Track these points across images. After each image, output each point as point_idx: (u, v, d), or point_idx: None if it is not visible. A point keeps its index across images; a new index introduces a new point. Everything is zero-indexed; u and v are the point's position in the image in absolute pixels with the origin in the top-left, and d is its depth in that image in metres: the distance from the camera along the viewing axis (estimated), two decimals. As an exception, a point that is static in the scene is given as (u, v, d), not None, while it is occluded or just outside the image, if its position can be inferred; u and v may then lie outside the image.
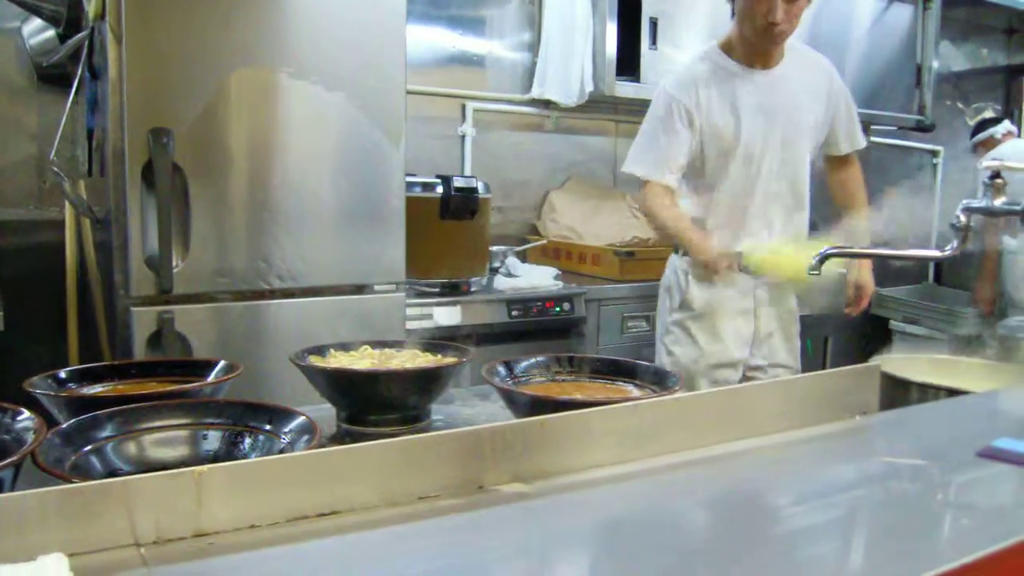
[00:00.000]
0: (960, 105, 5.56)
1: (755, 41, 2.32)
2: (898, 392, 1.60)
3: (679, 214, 2.41)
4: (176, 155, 2.23)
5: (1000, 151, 4.32)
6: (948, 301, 4.47)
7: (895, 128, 4.73)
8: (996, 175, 1.46)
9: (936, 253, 1.65)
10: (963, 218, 1.50)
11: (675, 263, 2.53)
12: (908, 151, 5.26)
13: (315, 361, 1.47)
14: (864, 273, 2.48)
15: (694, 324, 2.46)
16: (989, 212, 1.49)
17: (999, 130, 4.55)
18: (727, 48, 2.39)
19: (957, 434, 1.32)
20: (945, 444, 1.26)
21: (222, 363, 1.44)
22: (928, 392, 1.59)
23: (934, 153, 5.44)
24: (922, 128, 4.81)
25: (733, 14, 2.36)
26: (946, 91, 5.28)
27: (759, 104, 2.36)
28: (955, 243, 1.52)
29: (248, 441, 1.13)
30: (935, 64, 4.78)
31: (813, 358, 3.85)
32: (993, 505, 1.03)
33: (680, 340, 2.50)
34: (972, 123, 5.01)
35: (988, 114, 5.39)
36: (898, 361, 1.81)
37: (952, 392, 1.55)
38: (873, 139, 4.23)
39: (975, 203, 1.50)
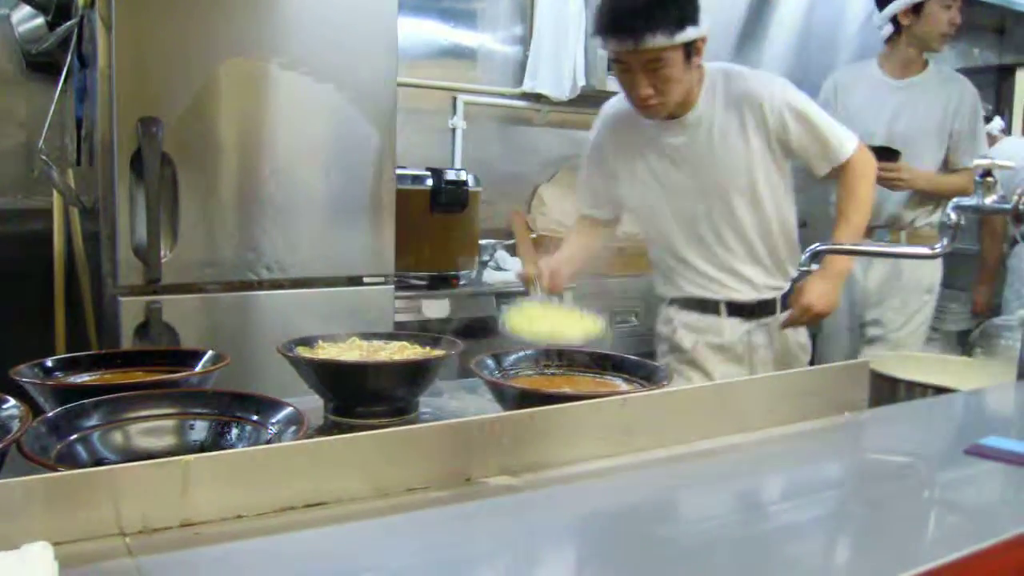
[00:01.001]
0: (951, 104, 5.55)
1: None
2: (887, 389, 1.61)
3: (567, 243, 2.38)
4: (165, 145, 2.22)
5: (991, 150, 4.33)
6: (938, 300, 4.46)
7: (886, 127, 4.73)
8: (987, 173, 1.46)
9: (926, 251, 1.65)
10: (953, 216, 1.50)
11: (664, 312, 2.40)
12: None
13: (303, 352, 1.46)
14: (808, 284, 2.05)
15: (684, 367, 2.32)
16: (979, 210, 1.49)
17: (992, 128, 4.56)
18: None
19: (945, 432, 1.33)
20: (933, 441, 1.27)
21: (210, 353, 1.43)
22: (916, 390, 1.60)
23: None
24: (913, 127, 4.81)
25: None
26: (937, 90, 5.28)
27: (671, 151, 2.16)
28: (945, 241, 1.52)
29: (235, 431, 1.12)
30: (926, 63, 4.79)
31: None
32: (980, 503, 1.04)
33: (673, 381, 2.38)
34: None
35: (979, 113, 5.39)
36: (887, 359, 1.82)
37: (940, 390, 1.55)
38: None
39: (965, 201, 1.50)
